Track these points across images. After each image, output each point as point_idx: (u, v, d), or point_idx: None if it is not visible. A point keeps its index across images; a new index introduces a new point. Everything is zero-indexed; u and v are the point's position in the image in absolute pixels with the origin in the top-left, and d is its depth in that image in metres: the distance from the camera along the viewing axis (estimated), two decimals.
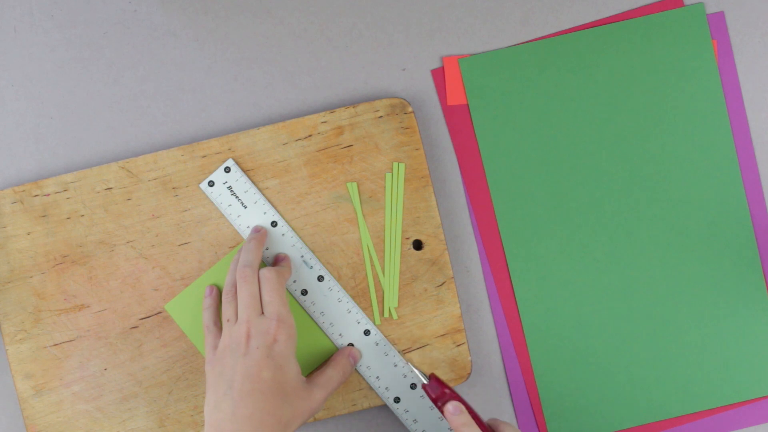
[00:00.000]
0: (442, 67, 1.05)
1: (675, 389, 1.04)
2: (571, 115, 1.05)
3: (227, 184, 1.02)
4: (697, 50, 1.05)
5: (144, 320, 1.03)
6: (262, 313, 0.95)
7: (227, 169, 1.02)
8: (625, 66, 1.05)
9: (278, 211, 1.03)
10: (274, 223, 1.02)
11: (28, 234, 1.02)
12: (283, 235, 1.02)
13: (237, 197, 1.02)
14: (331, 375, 0.98)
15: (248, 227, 1.02)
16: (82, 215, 1.02)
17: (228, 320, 0.96)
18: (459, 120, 1.05)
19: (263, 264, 1.02)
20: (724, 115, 1.05)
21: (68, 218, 1.02)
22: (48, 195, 1.02)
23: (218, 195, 1.02)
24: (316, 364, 1.02)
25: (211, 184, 1.02)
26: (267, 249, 1.02)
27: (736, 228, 1.04)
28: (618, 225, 1.04)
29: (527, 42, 1.05)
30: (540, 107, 1.05)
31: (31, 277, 1.02)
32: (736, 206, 1.04)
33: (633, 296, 1.04)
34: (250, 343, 0.93)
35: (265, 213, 1.02)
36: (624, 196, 1.04)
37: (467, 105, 1.05)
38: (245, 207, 1.02)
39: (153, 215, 1.03)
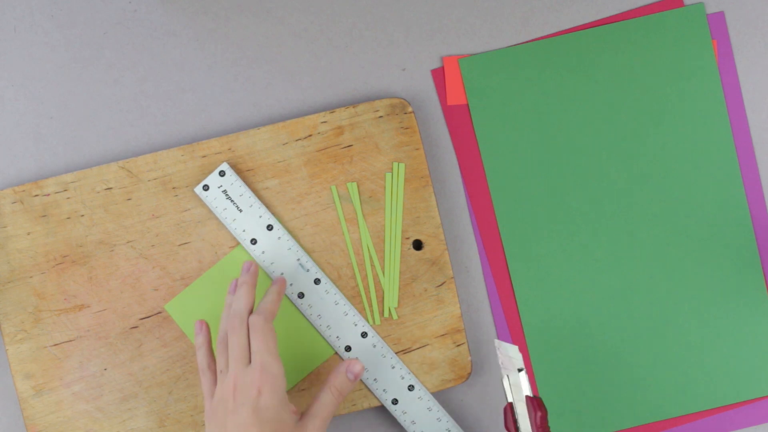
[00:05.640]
0: (442, 67, 1.05)
1: (675, 389, 1.04)
2: (571, 115, 1.05)
3: (222, 188, 1.02)
4: (697, 50, 1.05)
5: (144, 320, 1.03)
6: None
7: (222, 173, 1.02)
8: (625, 66, 1.05)
9: (274, 214, 1.03)
10: (269, 227, 1.02)
11: (28, 234, 1.02)
12: (279, 239, 1.02)
13: (232, 201, 1.02)
14: (325, 400, 0.95)
15: (244, 230, 1.02)
16: (82, 215, 1.02)
17: (221, 371, 0.95)
18: (459, 120, 1.05)
19: (264, 278, 1.02)
20: (724, 115, 1.05)
21: (68, 218, 1.02)
22: (48, 195, 1.02)
23: (213, 199, 1.02)
24: (312, 368, 1.02)
25: (206, 188, 1.02)
26: (264, 252, 1.02)
27: (736, 228, 1.04)
28: (618, 225, 1.04)
29: (527, 42, 1.05)
30: (540, 107, 1.05)
31: (31, 277, 1.02)
32: (736, 206, 1.04)
33: (633, 296, 1.04)
34: (236, 399, 0.91)
35: (260, 216, 1.02)
36: (624, 196, 1.04)
37: (467, 105, 1.05)
38: (240, 211, 1.02)
39: (153, 215, 1.03)
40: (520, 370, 0.90)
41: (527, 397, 0.90)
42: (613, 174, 1.05)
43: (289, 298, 1.03)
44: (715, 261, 1.04)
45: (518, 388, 0.91)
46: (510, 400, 0.92)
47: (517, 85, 1.05)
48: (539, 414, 0.89)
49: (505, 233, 1.04)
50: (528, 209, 1.04)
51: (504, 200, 1.04)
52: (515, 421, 0.92)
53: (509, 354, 0.91)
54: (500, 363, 0.93)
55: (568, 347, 1.04)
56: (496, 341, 0.92)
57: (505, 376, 0.92)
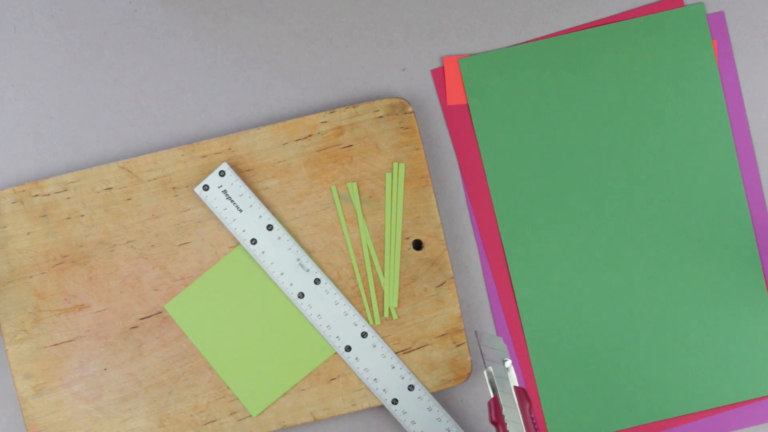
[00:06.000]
0: (442, 67, 1.05)
1: (675, 389, 1.04)
2: (570, 115, 1.05)
3: (222, 188, 1.02)
4: (697, 50, 1.05)
5: (144, 320, 1.03)
6: None
7: (222, 173, 1.02)
8: (625, 66, 1.05)
9: (274, 214, 1.03)
10: (269, 227, 1.02)
11: (28, 234, 1.02)
12: (279, 239, 1.02)
13: (232, 201, 1.02)
14: None
15: (244, 230, 1.02)
16: (82, 215, 1.03)
17: None
18: (459, 120, 1.05)
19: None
20: (724, 115, 1.05)
21: (68, 218, 1.02)
22: (48, 195, 1.02)
23: (213, 199, 1.02)
24: (312, 368, 1.02)
25: (206, 188, 1.02)
26: (264, 252, 1.02)
27: (736, 228, 1.04)
28: (618, 225, 1.04)
29: (527, 42, 1.05)
30: (540, 107, 1.05)
31: (31, 277, 1.02)
32: (736, 206, 1.04)
33: (633, 296, 1.04)
34: None
35: (260, 217, 1.02)
36: (624, 197, 1.04)
37: (467, 105, 1.05)
38: (240, 211, 1.02)
39: (153, 215, 1.03)
40: (505, 362, 0.90)
41: (516, 388, 0.89)
42: (613, 174, 1.05)
43: (289, 298, 1.03)
44: (715, 261, 1.04)
45: (503, 380, 0.90)
46: (494, 392, 0.90)
47: (516, 86, 1.05)
48: (529, 404, 0.89)
49: (505, 233, 1.04)
50: (528, 209, 1.04)
51: (504, 200, 1.04)
52: (502, 415, 0.90)
53: (492, 346, 0.90)
54: (482, 355, 0.91)
55: (569, 347, 1.04)
56: (477, 332, 0.91)
57: (488, 369, 0.91)
